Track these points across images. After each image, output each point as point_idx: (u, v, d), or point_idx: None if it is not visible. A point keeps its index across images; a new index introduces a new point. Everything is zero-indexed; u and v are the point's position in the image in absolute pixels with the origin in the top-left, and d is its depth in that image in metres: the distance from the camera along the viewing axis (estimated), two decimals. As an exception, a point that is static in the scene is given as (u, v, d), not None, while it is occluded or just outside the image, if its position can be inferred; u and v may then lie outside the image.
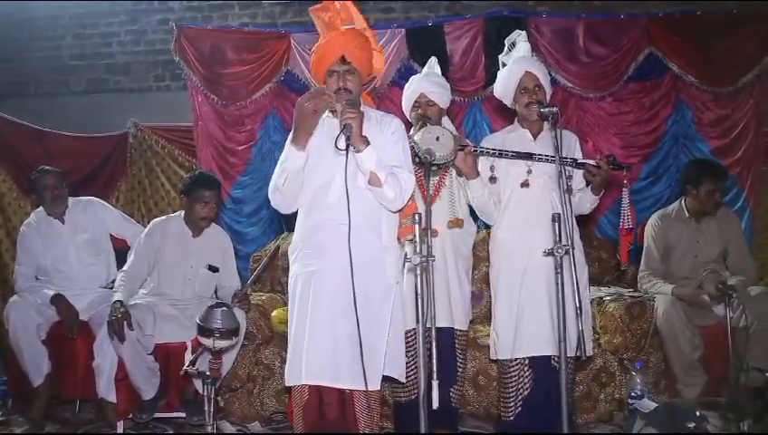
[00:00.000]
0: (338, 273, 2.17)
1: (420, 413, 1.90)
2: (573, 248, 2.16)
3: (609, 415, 3.13)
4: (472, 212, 2.82)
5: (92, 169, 4.66)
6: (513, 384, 2.63)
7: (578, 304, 2.16)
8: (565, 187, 2.34)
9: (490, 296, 2.83)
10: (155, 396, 3.09)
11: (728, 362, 2.85)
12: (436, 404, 1.92)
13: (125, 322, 2.88)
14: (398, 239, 2.37)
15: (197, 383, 2.99)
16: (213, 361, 2.32)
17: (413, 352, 2.56)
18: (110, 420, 3.17)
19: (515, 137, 2.71)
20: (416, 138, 2.47)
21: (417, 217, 1.95)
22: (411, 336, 2.60)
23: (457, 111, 4.09)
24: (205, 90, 4.23)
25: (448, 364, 2.69)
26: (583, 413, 3.10)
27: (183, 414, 3.16)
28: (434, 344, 2.02)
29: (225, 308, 2.28)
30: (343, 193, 2.16)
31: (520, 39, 2.75)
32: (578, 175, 2.67)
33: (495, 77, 2.79)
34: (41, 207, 3.49)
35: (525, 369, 2.62)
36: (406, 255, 2.12)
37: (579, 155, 2.67)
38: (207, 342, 2.24)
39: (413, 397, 2.63)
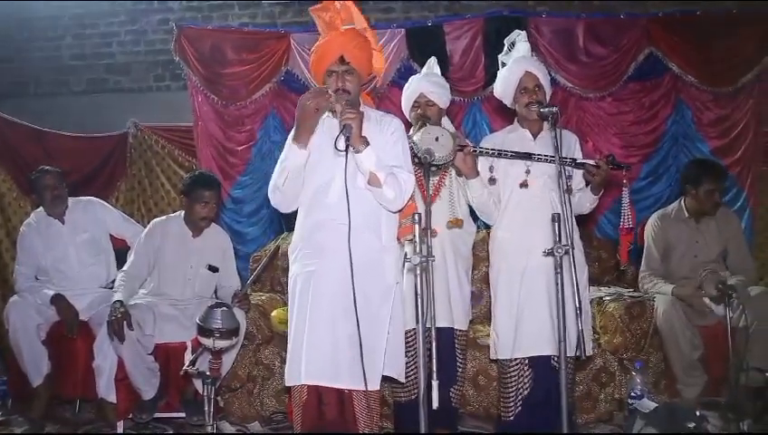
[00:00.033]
0: (337, 273, 2.17)
1: (420, 413, 1.90)
2: (573, 248, 2.16)
3: (609, 415, 3.13)
4: (472, 212, 2.82)
5: (92, 169, 4.66)
6: (513, 384, 2.63)
7: (578, 304, 2.16)
8: (565, 187, 2.34)
9: (490, 296, 2.83)
10: (155, 396, 3.09)
11: (728, 362, 2.85)
12: (436, 404, 1.92)
13: (125, 322, 2.89)
14: (398, 239, 2.37)
15: (197, 383, 2.99)
16: (213, 361, 2.32)
17: (413, 352, 2.56)
18: (110, 420, 3.17)
19: (515, 137, 2.71)
20: (415, 138, 2.47)
21: (416, 217, 1.95)
22: (411, 336, 2.60)
23: (457, 111, 4.09)
24: (205, 90, 4.23)
25: (448, 364, 2.69)
26: (583, 413, 3.10)
27: (183, 414, 3.16)
28: (434, 344, 2.02)
29: (224, 308, 2.28)
30: (343, 193, 2.16)
31: (519, 39, 2.74)
32: (577, 175, 2.67)
33: (495, 77, 2.79)
34: (41, 208, 3.49)
35: (525, 369, 2.62)
36: (406, 255, 2.11)
37: (579, 155, 2.67)
38: (207, 342, 2.24)
39: (413, 397, 2.63)
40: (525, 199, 2.64)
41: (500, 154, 2.59)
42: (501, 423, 2.72)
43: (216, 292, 3.36)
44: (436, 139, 2.44)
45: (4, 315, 3.26)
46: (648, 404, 2.63)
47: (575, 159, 2.60)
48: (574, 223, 2.55)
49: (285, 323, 2.62)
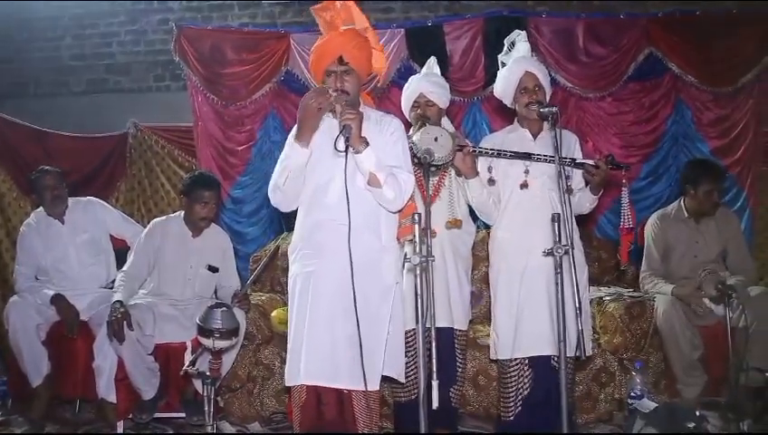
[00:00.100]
0: (337, 273, 2.17)
1: (420, 413, 1.90)
2: (573, 248, 2.16)
3: (608, 415, 3.13)
4: (471, 212, 2.82)
5: (92, 170, 4.66)
6: (513, 384, 2.63)
7: (577, 305, 2.15)
8: (565, 187, 2.33)
9: (490, 296, 2.83)
10: (155, 396, 3.09)
11: (728, 362, 2.86)
12: (435, 404, 1.92)
13: (125, 322, 2.88)
14: (398, 239, 2.37)
15: (197, 383, 2.99)
16: (213, 361, 2.32)
17: (413, 353, 2.56)
18: (109, 420, 3.17)
19: (515, 137, 2.71)
20: (414, 138, 2.47)
21: (416, 217, 1.95)
22: (411, 336, 2.60)
23: (457, 111, 4.09)
24: (204, 90, 4.23)
25: (448, 364, 2.69)
26: (583, 413, 3.10)
27: (183, 414, 3.16)
28: (434, 344, 2.01)
29: (224, 308, 2.28)
30: (343, 194, 2.16)
31: (519, 39, 2.74)
32: (577, 175, 2.67)
33: (495, 77, 2.79)
34: (41, 208, 3.49)
35: (525, 369, 2.62)
36: (405, 255, 2.11)
37: (578, 155, 2.66)
38: (207, 342, 2.24)
39: (413, 397, 2.63)
40: (525, 199, 2.64)
41: (499, 154, 2.59)
42: (501, 423, 2.72)
43: (215, 292, 3.36)
44: (436, 139, 2.44)
45: (4, 315, 3.26)
46: (648, 404, 2.63)
47: (575, 159, 2.60)
48: (574, 223, 2.54)
49: (285, 324, 2.62)
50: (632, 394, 2.73)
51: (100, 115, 4.91)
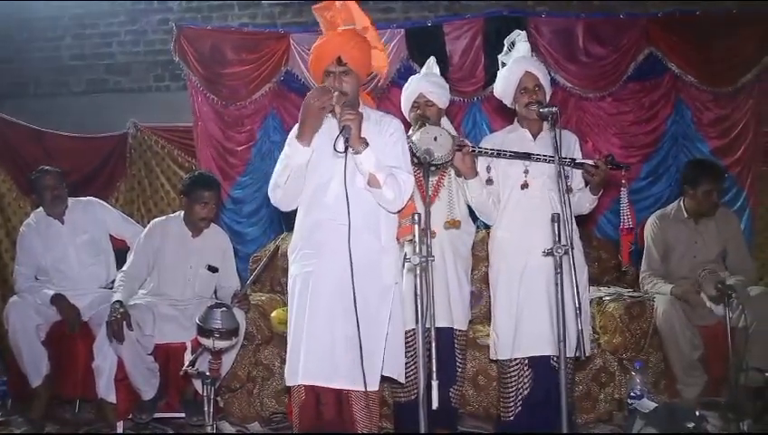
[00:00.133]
0: (336, 273, 2.18)
1: (420, 413, 1.90)
2: (573, 248, 2.16)
3: (608, 415, 3.13)
4: (471, 212, 2.82)
5: (92, 170, 4.66)
6: (513, 384, 2.63)
7: (577, 305, 2.15)
8: (564, 187, 2.33)
9: (489, 296, 2.83)
10: (155, 396, 3.09)
11: (728, 362, 2.85)
12: (435, 404, 1.92)
13: (124, 322, 2.88)
14: (398, 240, 2.37)
15: (197, 384, 2.99)
16: (212, 361, 2.32)
17: (413, 353, 2.56)
18: (109, 420, 3.17)
19: (515, 137, 2.71)
20: (414, 138, 2.47)
21: (416, 217, 1.95)
22: (411, 336, 2.60)
23: (457, 111, 4.09)
24: (204, 90, 4.23)
25: (448, 364, 2.69)
26: (583, 413, 3.10)
27: (183, 414, 3.16)
28: (433, 345, 2.01)
29: (224, 308, 2.28)
30: (341, 194, 2.16)
31: (520, 39, 2.74)
32: (577, 175, 2.67)
33: (495, 77, 2.79)
34: (40, 208, 3.49)
35: (525, 369, 2.62)
36: (405, 255, 2.11)
37: (578, 155, 2.66)
38: (207, 342, 2.24)
39: (413, 397, 2.63)
40: (525, 199, 2.64)
41: (499, 154, 2.59)
42: (501, 423, 2.72)
43: (215, 292, 3.36)
44: (435, 138, 2.44)
45: (3, 316, 3.26)
46: (648, 404, 2.63)
47: (574, 159, 2.60)
48: (574, 223, 2.54)
49: (285, 324, 2.62)
50: (632, 394, 2.73)
51: (100, 115, 4.91)
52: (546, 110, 2.49)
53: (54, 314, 3.25)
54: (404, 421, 2.78)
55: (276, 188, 2.31)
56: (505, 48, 2.77)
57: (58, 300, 3.24)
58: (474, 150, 2.59)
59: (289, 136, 2.30)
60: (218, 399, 3.17)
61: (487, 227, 2.93)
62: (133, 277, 3.18)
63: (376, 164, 2.19)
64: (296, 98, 4.14)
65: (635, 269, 3.51)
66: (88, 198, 3.66)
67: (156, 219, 3.43)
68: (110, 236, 3.58)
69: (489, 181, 2.68)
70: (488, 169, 2.69)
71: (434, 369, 1.96)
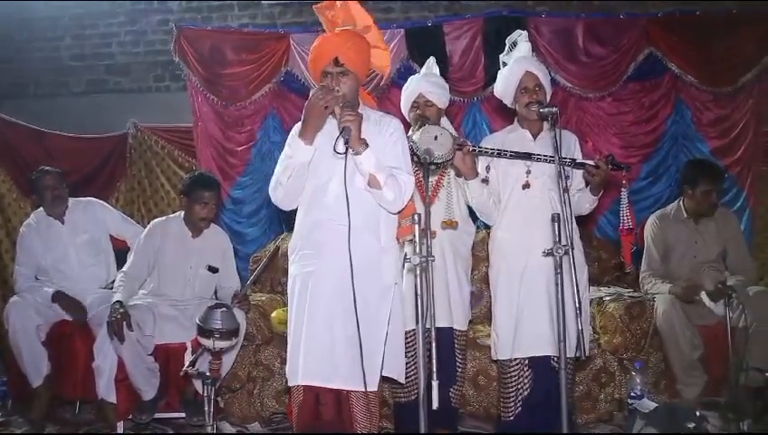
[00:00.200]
0: (336, 273, 2.18)
1: (420, 413, 1.90)
2: (573, 248, 2.16)
3: (608, 415, 3.13)
4: (471, 213, 2.82)
5: (92, 170, 4.66)
6: (513, 384, 2.63)
7: (577, 305, 2.15)
8: (564, 187, 2.33)
9: (490, 296, 2.83)
10: (155, 397, 3.09)
11: (728, 362, 2.86)
12: (435, 404, 1.92)
13: (124, 322, 2.89)
14: (398, 240, 2.37)
15: (197, 384, 2.99)
16: (213, 361, 2.32)
17: (413, 353, 2.56)
18: (110, 420, 3.17)
19: (515, 137, 2.71)
20: (414, 138, 2.46)
21: (416, 217, 1.95)
22: (411, 337, 2.60)
23: (457, 111, 4.09)
24: (204, 90, 4.23)
25: (448, 364, 2.69)
26: (583, 413, 3.10)
27: (183, 415, 3.17)
28: (433, 345, 2.01)
29: (224, 309, 2.28)
30: (341, 195, 2.16)
31: (521, 39, 2.74)
32: (577, 175, 2.66)
33: (495, 77, 2.78)
34: (41, 208, 3.50)
35: (525, 369, 2.62)
36: (405, 255, 2.11)
37: (578, 155, 2.66)
38: (207, 342, 2.24)
39: (413, 397, 2.63)
40: (525, 200, 2.63)
41: (499, 154, 2.59)
42: (501, 423, 2.72)
43: (215, 292, 3.36)
44: (436, 137, 2.44)
45: (4, 316, 3.26)
46: (648, 404, 2.63)
47: (575, 160, 2.60)
48: (574, 223, 2.54)
49: (285, 324, 2.62)
50: (632, 394, 2.73)
51: (100, 115, 4.91)
52: (546, 110, 2.49)
53: (54, 314, 3.26)
54: (404, 421, 2.78)
55: (278, 187, 2.30)
56: (507, 48, 2.77)
57: (59, 297, 3.25)
58: (474, 150, 2.59)
59: (290, 135, 2.30)
60: (218, 399, 3.17)
61: (487, 227, 2.93)
62: (133, 278, 3.18)
63: (376, 165, 2.19)
64: (296, 98, 4.15)
65: (635, 269, 3.51)
66: (88, 198, 3.66)
67: (156, 220, 3.43)
68: (111, 236, 3.59)
69: (485, 181, 2.67)
70: (487, 168, 2.69)
71: (434, 369, 1.96)
